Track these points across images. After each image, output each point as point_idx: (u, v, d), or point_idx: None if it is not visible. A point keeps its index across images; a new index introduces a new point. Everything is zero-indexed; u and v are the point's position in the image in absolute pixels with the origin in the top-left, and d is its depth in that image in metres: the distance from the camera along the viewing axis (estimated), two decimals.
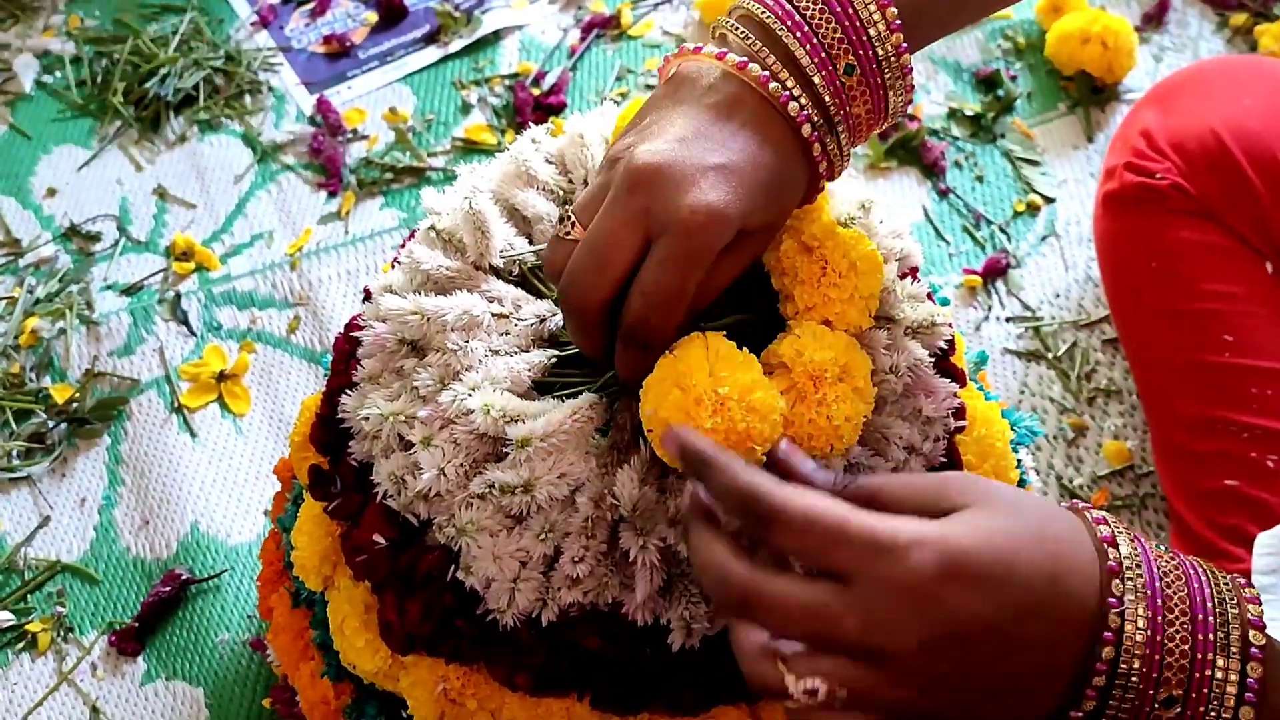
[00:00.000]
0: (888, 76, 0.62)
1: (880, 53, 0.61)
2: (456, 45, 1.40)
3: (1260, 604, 0.54)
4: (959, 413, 0.70)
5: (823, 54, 0.61)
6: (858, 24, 0.61)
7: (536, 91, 1.35)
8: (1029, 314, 1.17)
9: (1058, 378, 1.12)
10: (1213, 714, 0.52)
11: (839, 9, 0.60)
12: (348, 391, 0.69)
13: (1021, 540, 0.52)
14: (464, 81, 1.37)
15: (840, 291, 0.65)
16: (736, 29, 0.62)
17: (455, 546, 0.63)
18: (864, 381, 0.63)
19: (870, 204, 0.72)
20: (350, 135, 1.32)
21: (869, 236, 0.68)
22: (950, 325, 0.71)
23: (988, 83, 1.34)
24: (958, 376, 0.72)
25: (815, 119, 0.61)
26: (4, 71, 1.39)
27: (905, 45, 0.62)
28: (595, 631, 0.62)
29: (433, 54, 1.40)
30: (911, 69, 0.63)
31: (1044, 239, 1.22)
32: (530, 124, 1.30)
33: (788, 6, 0.61)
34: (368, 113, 1.35)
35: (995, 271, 1.19)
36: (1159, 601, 0.53)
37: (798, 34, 0.60)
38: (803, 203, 0.65)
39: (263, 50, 1.40)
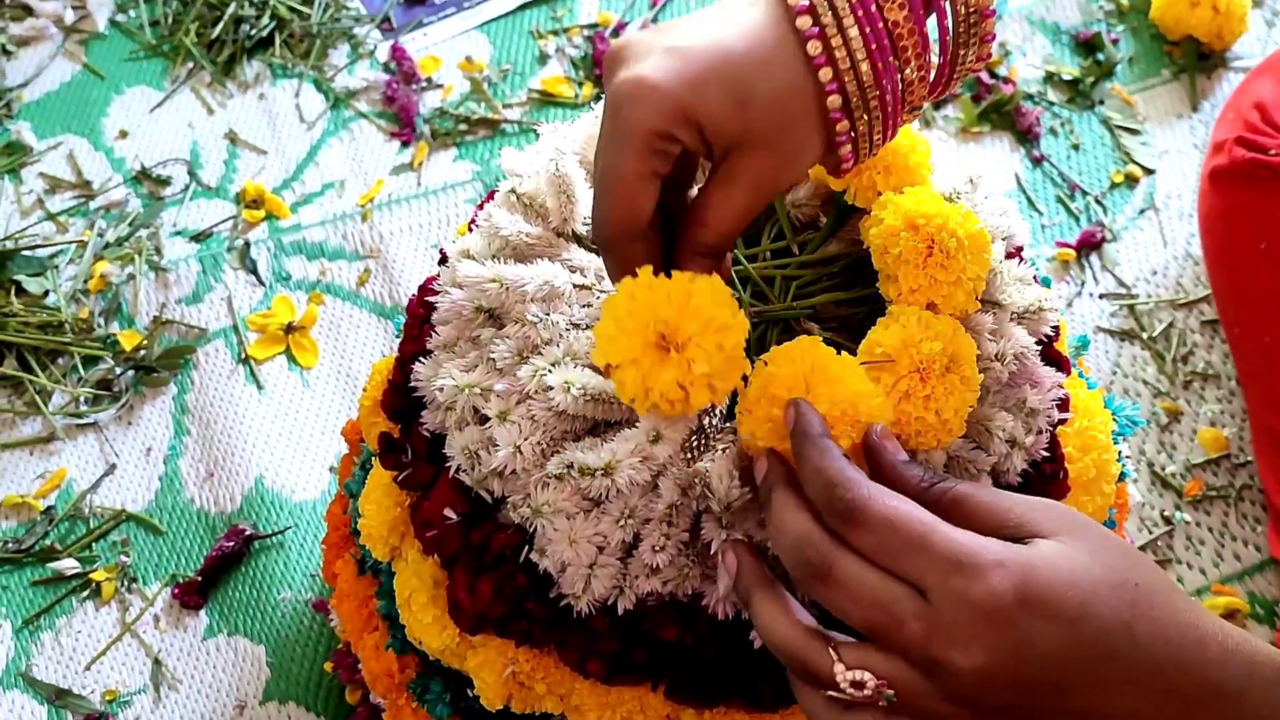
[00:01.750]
0: (959, 41, 0.56)
1: (960, 11, 0.55)
2: None
3: None
4: (1063, 404, 0.67)
5: None
6: None
7: None
8: (1124, 291, 1.12)
9: (1152, 359, 1.07)
10: None
11: None
12: (421, 359, 0.67)
13: (1102, 585, 0.49)
14: (542, 31, 1.33)
15: (947, 273, 0.61)
16: None
17: (530, 527, 0.61)
18: (970, 369, 0.60)
19: (979, 178, 0.69)
20: (425, 84, 1.29)
21: (976, 214, 0.64)
22: (1057, 311, 0.67)
23: (1088, 46, 1.28)
24: (1063, 365, 0.68)
25: (833, 39, 0.52)
26: (79, 9, 1.38)
27: (992, 10, 0.55)
28: (674, 622, 0.60)
29: (510, 1, 1.36)
30: (993, 36, 0.56)
31: (1142, 212, 1.17)
32: None
33: None
34: (443, 61, 1.31)
35: (1090, 245, 1.14)
36: None
37: None
38: (825, 161, 0.57)
39: None
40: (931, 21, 0.55)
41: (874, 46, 0.52)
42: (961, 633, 0.48)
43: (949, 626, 0.48)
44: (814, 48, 0.52)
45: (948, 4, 0.55)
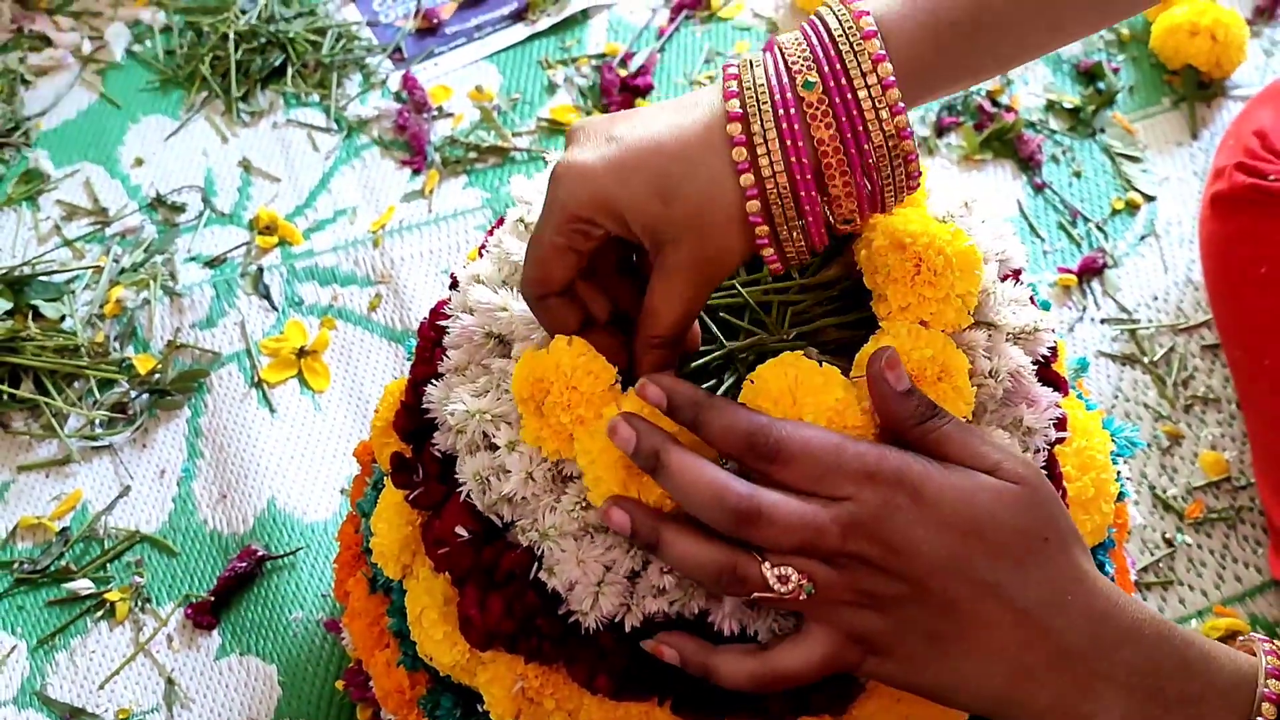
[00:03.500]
0: (882, 165, 0.57)
1: (876, 139, 0.56)
2: (544, 23, 1.38)
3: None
4: (1060, 423, 0.68)
5: (798, 122, 0.55)
6: (853, 111, 0.56)
7: (623, 72, 1.33)
8: (1125, 316, 1.13)
9: (1153, 383, 1.09)
10: None
11: (839, 99, 0.56)
12: (434, 382, 0.68)
13: (1001, 525, 0.56)
14: (551, 60, 1.36)
15: (935, 290, 0.62)
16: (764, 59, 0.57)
17: (538, 550, 0.62)
18: (963, 381, 0.61)
19: (973, 202, 0.70)
20: (435, 113, 1.31)
21: (969, 235, 0.66)
22: (1053, 331, 0.69)
23: (1088, 75, 1.29)
24: (1060, 385, 0.69)
25: (759, 148, 0.56)
26: (96, 40, 1.40)
27: (909, 130, 0.56)
28: None
29: (520, 32, 1.38)
30: (915, 159, 0.58)
31: (1143, 238, 1.18)
32: (616, 105, 1.29)
33: (788, 55, 0.57)
34: (453, 90, 1.34)
35: (1091, 271, 1.15)
36: None
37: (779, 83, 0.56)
38: (750, 256, 0.59)
39: (350, 24, 1.39)
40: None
41: (794, 159, 0.55)
42: (866, 528, 0.55)
43: (859, 525, 0.55)
44: (739, 154, 0.55)
45: (868, 126, 0.56)
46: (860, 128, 0.55)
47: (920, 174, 0.59)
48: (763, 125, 0.55)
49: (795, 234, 0.57)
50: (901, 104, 0.56)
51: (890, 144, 0.56)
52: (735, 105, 0.56)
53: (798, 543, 0.55)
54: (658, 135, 0.56)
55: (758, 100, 0.55)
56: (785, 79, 0.56)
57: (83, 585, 1.02)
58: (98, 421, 1.11)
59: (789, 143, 0.55)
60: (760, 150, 0.55)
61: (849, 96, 0.55)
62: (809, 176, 0.56)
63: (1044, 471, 0.66)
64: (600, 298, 0.62)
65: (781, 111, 0.55)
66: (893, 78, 0.55)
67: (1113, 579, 0.79)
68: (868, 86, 0.55)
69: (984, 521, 0.56)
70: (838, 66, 0.55)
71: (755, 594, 0.56)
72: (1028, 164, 1.23)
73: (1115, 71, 1.29)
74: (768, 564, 0.55)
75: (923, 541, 0.55)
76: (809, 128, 0.55)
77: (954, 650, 0.56)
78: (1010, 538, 0.56)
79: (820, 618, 0.57)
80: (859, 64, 0.55)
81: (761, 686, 0.59)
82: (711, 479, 0.55)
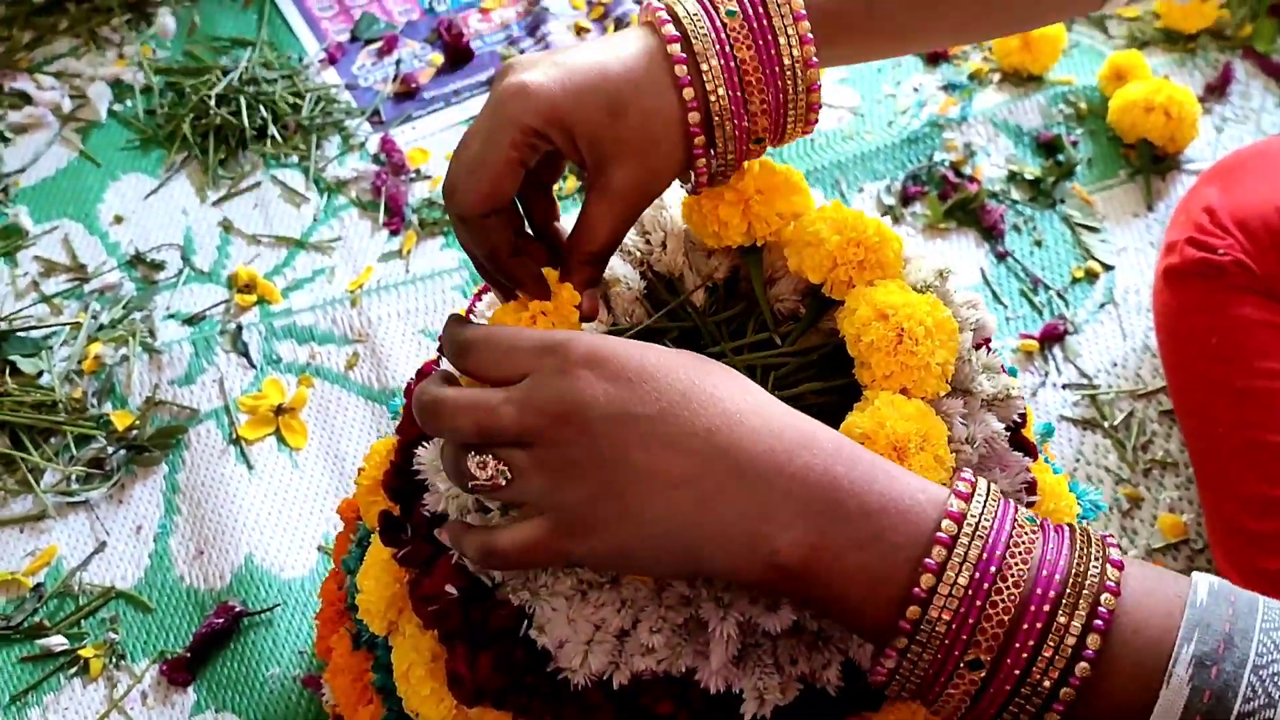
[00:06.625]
0: (789, 88, 0.65)
1: (786, 61, 0.64)
2: None
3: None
4: (1030, 487, 0.71)
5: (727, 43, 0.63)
6: (769, 36, 0.64)
7: None
8: (1086, 381, 1.16)
9: (1114, 447, 1.12)
10: (1026, 691, 0.51)
11: (756, 25, 0.64)
12: (424, 444, 0.70)
13: (673, 362, 0.57)
14: None
15: (916, 359, 0.65)
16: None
17: (529, 609, 0.64)
18: (943, 449, 0.64)
19: (948, 272, 0.73)
20: (413, 175, 1.34)
21: (945, 305, 0.68)
22: (1023, 398, 0.72)
23: (1048, 147, 1.34)
24: (1030, 450, 0.72)
25: (701, 65, 0.63)
26: (77, 98, 1.42)
27: (815, 59, 0.64)
28: (667, 696, 0.62)
29: None
30: (818, 90, 0.65)
31: (1102, 306, 1.22)
32: None
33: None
34: (431, 153, 1.36)
35: (1052, 337, 1.19)
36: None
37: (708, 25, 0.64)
38: (683, 177, 0.68)
39: (330, 87, 1.42)
40: None
41: (730, 75, 0.64)
42: (541, 396, 0.55)
43: (535, 399, 0.55)
44: (680, 70, 0.63)
45: (780, 51, 0.64)
46: (774, 51, 0.64)
47: (819, 107, 0.66)
48: (702, 46, 0.63)
49: (729, 145, 0.65)
50: (810, 35, 0.64)
51: (799, 68, 0.64)
52: (672, 29, 0.64)
53: (474, 427, 0.56)
54: (602, 61, 0.63)
55: (695, 25, 0.63)
56: (711, 9, 0.64)
57: (56, 642, 1.01)
58: (74, 477, 1.11)
59: (723, 61, 0.63)
60: (703, 67, 0.63)
61: (765, 23, 0.63)
62: (738, 93, 0.64)
63: None
64: (518, 217, 0.69)
65: (715, 35, 0.63)
66: (803, 11, 0.64)
67: None
68: (781, 16, 0.64)
69: (656, 364, 0.56)
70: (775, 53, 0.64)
71: (471, 484, 0.57)
72: (990, 233, 1.27)
73: (1074, 144, 1.34)
74: (472, 454, 0.56)
75: (593, 400, 0.54)
76: (734, 48, 0.63)
77: (639, 498, 0.54)
78: (680, 370, 0.56)
79: (528, 504, 0.57)
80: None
81: (486, 562, 0.59)
82: (417, 390, 0.59)
